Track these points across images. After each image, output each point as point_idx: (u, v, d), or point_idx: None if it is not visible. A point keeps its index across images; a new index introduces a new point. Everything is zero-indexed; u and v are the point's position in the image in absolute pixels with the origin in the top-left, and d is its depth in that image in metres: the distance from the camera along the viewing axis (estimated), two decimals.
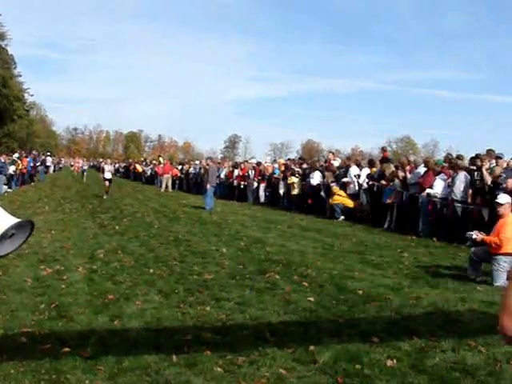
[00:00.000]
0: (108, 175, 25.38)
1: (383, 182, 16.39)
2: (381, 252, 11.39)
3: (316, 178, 20.15)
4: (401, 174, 15.80)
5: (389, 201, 15.68)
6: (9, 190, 27.21)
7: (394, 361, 4.86)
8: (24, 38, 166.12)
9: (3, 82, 44.43)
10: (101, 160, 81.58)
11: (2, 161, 27.30)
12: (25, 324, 5.85)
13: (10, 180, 28.71)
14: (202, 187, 23.50)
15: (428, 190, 14.16)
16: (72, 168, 61.49)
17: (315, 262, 9.89)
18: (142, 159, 60.63)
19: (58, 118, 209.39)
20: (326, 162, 22.09)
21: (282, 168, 23.95)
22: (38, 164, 42.78)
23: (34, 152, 45.19)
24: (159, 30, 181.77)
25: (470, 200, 13.29)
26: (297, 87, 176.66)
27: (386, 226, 15.63)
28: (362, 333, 5.70)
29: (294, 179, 21.45)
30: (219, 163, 33.16)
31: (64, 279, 8.05)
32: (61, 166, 70.74)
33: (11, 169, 28.62)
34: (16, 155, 33.56)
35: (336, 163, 20.97)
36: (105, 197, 24.56)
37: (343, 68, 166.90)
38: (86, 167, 43.47)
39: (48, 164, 52.09)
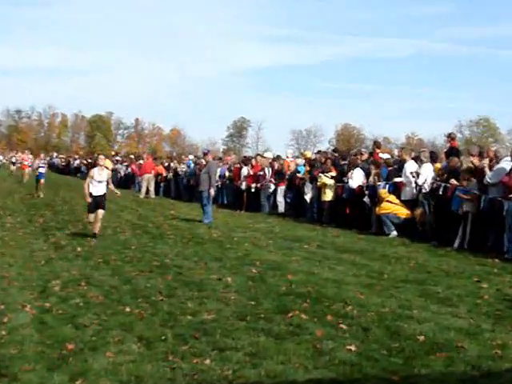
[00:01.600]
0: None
1: (452, 182, 16.31)
2: (450, 281, 11.30)
3: (357, 178, 20.10)
4: (481, 166, 15.70)
5: (461, 209, 15.59)
6: None
7: None
8: None
9: None
10: (60, 156, 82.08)
11: None
12: None
13: None
14: (197, 192, 23.53)
15: None
16: (13, 167, 60.22)
17: (357, 295, 9.85)
18: (114, 153, 60.92)
19: None
20: (370, 154, 22.02)
21: (309, 164, 23.95)
22: None
23: None
24: None
25: None
26: (328, 52, 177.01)
27: (456, 244, 15.54)
28: None
29: (326, 180, 21.43)
30: (221, 159, 33.27)
31: (4, 322, 8.06)
32: None
33: None
34: None
35: (384, 157, 20.93)
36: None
37: (392, 23, 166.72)
38: (43, 168, 33.92)
39: None
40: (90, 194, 16.35)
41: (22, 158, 34.46)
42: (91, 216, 16.43)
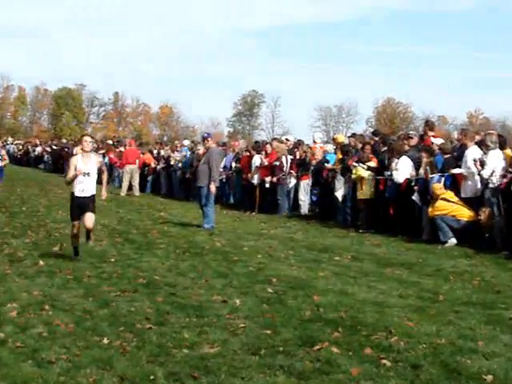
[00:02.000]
0: None
1: None
2: None
3: (403, 170, 20.03)
4: None
5: None
6: None
7: None
8: None
9: None
10: (17, 142, 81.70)
11: None
12: None
13: None
14: (195, 188, 23.57)
15: None
16: None
17: (404, 322, 9.86)
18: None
19: None
20: (421, 139, 21.90)
21: (342, 152, 23.87)
22: None
23: None
24: None
25: None
26: (365, 3, 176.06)
27: None
28: None
29: (363, 171, 21.38)
30: (225, 144, 33.26)
31: None
32: None
33: None
34: None
35: (438, 142, 20.81)
36: None
37: None
38: (3, 160, 33.49)
39: None
40: (73, 197, 14.96)
41: None
42: (75, 225, 14.86)
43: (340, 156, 23.67)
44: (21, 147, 75.72)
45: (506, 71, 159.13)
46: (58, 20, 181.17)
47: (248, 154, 29.42)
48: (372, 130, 41.38)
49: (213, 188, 21.09)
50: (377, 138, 24.18)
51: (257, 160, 27.70)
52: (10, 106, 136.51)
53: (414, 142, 21.41)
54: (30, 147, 71.89)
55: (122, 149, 39.29)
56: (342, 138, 27.05)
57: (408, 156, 20.26)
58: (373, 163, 21.45)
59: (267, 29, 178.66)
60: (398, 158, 20.25)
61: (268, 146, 28.36)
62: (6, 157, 24.50)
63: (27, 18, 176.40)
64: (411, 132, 25.70)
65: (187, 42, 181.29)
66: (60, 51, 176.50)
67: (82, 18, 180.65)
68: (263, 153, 27.71)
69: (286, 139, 29.54)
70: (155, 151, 38.66)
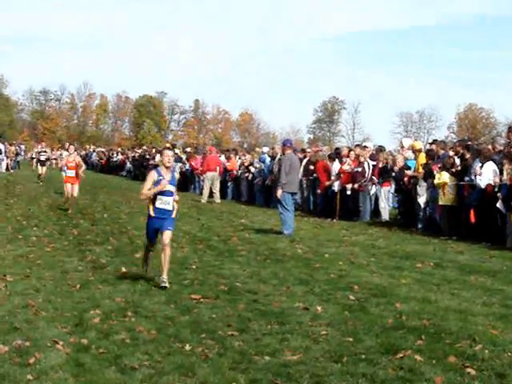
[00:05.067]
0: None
1: None
2: None
3: (487, 175, 19.77)
4: None
5: None
6: None
7: None
8: None
9: None
10: (98, 149, 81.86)
11: None
12: None
13: None
14: (274, 194, 23.58)
15: None
16: (42, 169, 50.03)
17: (489, 330, 9.73)
18: (167, 145, 61.36)
19: (13, 75, 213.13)
20: (508, 144, 21.57)
21: (423, 158, 23.68)
22: None
23: None
24: None
25: None
26: (447, 10, 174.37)
27: None
28: None
29: (446, 177, 21.16)
30: (304, 151, 33.18)
31: (31, 364, 8.15)
32: (19, 158, 71.90)
33: None
34: None
35: None
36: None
37: None
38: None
39: (1, 157, 53.19)
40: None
41: (67, 163, 27.86)
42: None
43: (421, 162, 23.48)
44: (103, 155, 76.15)
45: None
46: (139, 29, 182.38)
47: (328, 160, 29.25)
48: (453, 136, 40.83)
49: (278, 193, 21.10)
50: (461, 144, 23.82)
51: (336, 167, 27.62)
52: (92, 114, 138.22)
53: (500, 147, 21.16)
54: (112, 155, 72.36)
55: (202, 155, 39.30)
56: (419, 145, 26.68)
57: (493, 161, 19.99)
58: (448, 173, 21.24)
59: (346, 36, 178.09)
60: (483, 163, 20.00)
61: (349, 152, 28.27)
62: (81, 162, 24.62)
63: (107, 26, 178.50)
64: (499, 138, 25.36)
65: (267, 49, 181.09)
66: (141, 59, 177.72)
67: (162, 24, 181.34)
68: (344, 159, 27.60)
69: (365, 146, 29.31)
70: (237, 159, 38.58)
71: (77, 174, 24.14)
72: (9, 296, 11.77)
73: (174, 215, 13.42)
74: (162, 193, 13.12)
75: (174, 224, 13.71)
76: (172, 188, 13.27)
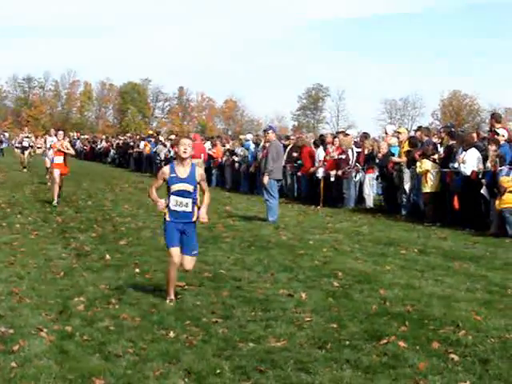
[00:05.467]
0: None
1: None
2: None
3: (471, 162, 19.84)
4: None
5: None
6: None
7: None
8: None
9: None
10: (83, 137, 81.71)
11: None
12: None
13: None
14: (259, 181, 23.58)
15: None
16: (25, 154, 49.00)
17: (472, 316, 9.79)
18: (151, 132, 61.31)
19: None
20: (490, 130, 21.60)
21: (407, 144, 23.71)
22: None
23: None
24: None
25: None
26: None
27: None
28: None
29: (429, 165, 21.24)
30: (289, 138, 33.16)
31: (15, 351, 8.16)
32: (3, 146, 71.85)
33: None
34: None
35: (504, 133, 20.48)
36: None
37: None
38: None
39: None
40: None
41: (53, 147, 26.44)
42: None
43: (405, 149, 23.50)
44: (87, 141, 76.06)
45: None
46: (123, 16, 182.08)
47: (313, 147, 29.24)
48: (438, 123, 40.75)
49: (265, 180, 21.09)
50: (445, 131, 23.87)
51: (321, 153, 27.62)
52: (76, 101, 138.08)
53: (484, 133, 21.23)
54: (96, 142, 72.37)
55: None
56: (405, 133, 26.64)
57: (477, 148, 20.04)
58: (430, 161, 21.29)
59: (332, 21, 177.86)
60: (466, 150, 20.05)
61: (333, 139, 28.25)
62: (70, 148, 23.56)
63: (92, 14, 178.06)
64: (481, 124, 25.39)
65: (251, 36, 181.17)
66: (125, 46, 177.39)
67: (146, 12, 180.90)
68: (328, 146, 27.62)
69: (346, 134, 29.21)
70: (222, 147, 38.56)
71: (65, 160, 23.24)
72: None
73: (194, 218, 10.96)
74: (178, 192, 10.72)
75: (197, 243, 11.31)
76: (190, 187, 10.74)
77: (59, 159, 22.68)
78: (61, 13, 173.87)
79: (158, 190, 11.21)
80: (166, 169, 11.00)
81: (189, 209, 10.77)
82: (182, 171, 10.65)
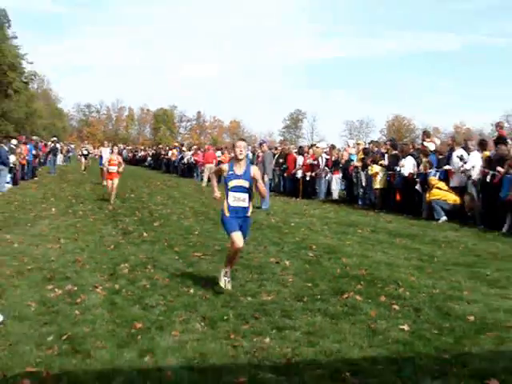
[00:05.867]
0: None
1: (500, 169, 16.03)
2: (498, 264, 11.15)
3: (408, 166, 19.90)
4: None
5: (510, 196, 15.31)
6: (8, 185, 27.66)
7: None
8: None
9: None
10: (127, 148, 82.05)
11: (6, 149, 27.16)
12: (28, 362, 5.97)
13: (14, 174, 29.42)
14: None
15: None
16: (85, 161, 47.47)
17: (409, 277, 9.80)
18: (177, 144, 61.14)
19: (66, 93, 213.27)
20: (422, 144, 21.69)
21: (362, 153, 23.79)
22: (47, 152, 44.68)
23: (34, 137, 44.01)
24: None
25: None
26: (379, 47, 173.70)
27: (505, 229, 15.30)
28: (476, 373, 5.62)
29: (377, 168, 21.32)
30: (277, 148, 33.17)
31: (78, 303, 8.21)
32: (70, 154, 71.83)
33: (11, 159, 28.24)
34: (14, 142, 32.13)
35: (431, 146, 20.55)
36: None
37: (439, 19, 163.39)
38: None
39: (57, 153, 52.73)
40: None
41: (109, 160, 23.25)
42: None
43: (360, 156, 23.63)
44: (130, 151, 76.44)
45: (481, 94, 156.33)
46: (157, 59, 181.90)
47: (295, 155, 29.25)
48: (389, 138, 40.60)
49: (265, 179, 21.12)
50: (389, 144, 23.94)
51: (300, 160, 27.69)
52: (122, 122, 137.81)
53: (417, 145, 21.35)
54: (137, 151, 72.62)
55: (202, 151, 39.37)
56: (362, 144, 26.87)
57: (412, 156, 20.17)
58: (384, 162, 21.41)
59: (304, 65, 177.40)
60: (405, 158, 20.18)
61: (309, 149, 28.41)
62: (122, 162, 22.16)
63: (131, 56, 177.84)
64: (416, 139, 25.52)
65: (250, 74, 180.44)
66: (158, 80, 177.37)
67: (174, 58, 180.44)
68: (305, 154, 27.70)
69: (317, 146, 29.28)
70: (223, 154, 38.53)
71: (118, 170, 22.14)
72: (62, 254, 11.77)
73: (249, 213, 9.43)
74: (235, 188, 9.34)
75: (249, 231, 10.02)
76: (245, 183, 9.36)
77: (113, 168, 21.92)
78: (110, 56, 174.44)
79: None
80: (226, 166, 9.69)
81: (245, 203, 9.25)
82: (239, 169, 9.35)
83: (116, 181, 21.50)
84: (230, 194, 9.19)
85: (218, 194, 9.73)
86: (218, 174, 10.16)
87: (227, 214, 9.16)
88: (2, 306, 7.87)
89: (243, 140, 9.64)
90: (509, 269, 10.67)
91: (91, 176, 38.83)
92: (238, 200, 9.18)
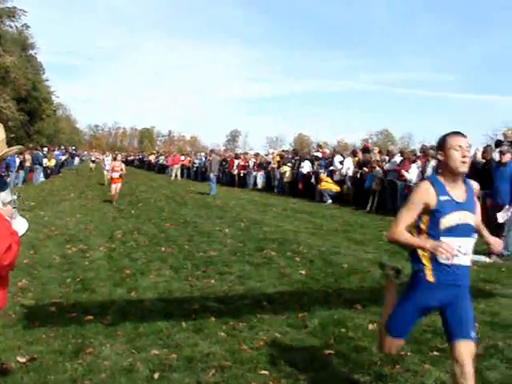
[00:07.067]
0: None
1: (365, 169, 16.36)
2: (363, 231, 11.40)
3: (306, 167, 20.09)
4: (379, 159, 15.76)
5: (372, 186, 15.63)
6: (42, 179, 27.58)
7: (375, 325, 4.88)
8: (50, 47, 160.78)
9: (33, 86, 44.46)
10: (122, 154, 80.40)
11: (41, 154, 27.91)
12: (53, 295, 5.90)
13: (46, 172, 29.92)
14: (207, 175, 23.39)
15: (404, 173, 14.28)
16: (93, 165, 44.61)
17: (306, 240, 9.91)
18: (155, 151, 60.30)
19: (81, 117, 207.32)
20: (317, 152, 21.88)
21: (277, 158, 23.90)
22: (67, 157, 45.21)
23: (61, 147, 46.94)
24: (167, 40, 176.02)
25: None
26: (290, 87, 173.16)
27: (368, 208, 15.63)
28: (347, 301, 5.73)
29: (287, 168, 21.46)
30: (221, 155, 33.07)
31: (87, 257, 8.08)
32: (83, 158, 70.65)
33: (44, 161, 28.93)
34: (45, 150, 33.54)
35: (320, 154, 20.68)
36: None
37: (329, 70, 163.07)
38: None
39: (75, 157, 53.17)
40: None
41: (112, 167, 18.63)
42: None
43: (277, 160, 23.70)
44: (123, 156, 74.89)
45: (352, 121, 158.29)
46: (143, 93, 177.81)
47: (233, 159, 29.18)
48: (293, 148, 41.04)
49: (211, 175, 21.07)
50: (294, 152, 24.14)
51: (236, 162, 27.64)
52: (119, 136, 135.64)
53: (313, 153, 21.51)
54: (128, 156, 71.53)
55: (171, 156, 38.91)
56: (277, 152, 27.02)
57: (309, 160, 20.27)
58: (290, 164, 21.50)
59: (240, 99, 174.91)
60: (304, 161, 20.32)
61: (242, 155, 28.37)
62: (123, 168, 19.28)
63: (126, 92, 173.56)
64: (312, 149, 25.68)
65: (204, 105, 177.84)
66: (143, 106, 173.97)
67: (155, 84, 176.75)
68: (240, 159, 27.67)
69: (250, 153, 29.36)
70: (189, 158, 38.07)
71: (121, 175, 19.34)
72: (77, 224, 11.49)
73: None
74: (455, 230, 2.84)
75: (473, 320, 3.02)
76: (471, 217, 2.91)
77: (116, 174, 19.64)
78: (110, 91, 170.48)
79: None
80: (428, 186, 2.92)
81: (467, 260, 2.93)
82: (458, 192, 2.92)
83: (119, 185, 17.92)
84: (443, 239, 2.86)
85: (451, 248, 2.79)
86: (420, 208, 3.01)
87: (431, 279, 2.95)
88: (37, 259, 7.75)
89: (465, 136, 2.98)
90: (370, 233, 10.93)
91: (97, 174, 37.98)
92: (460, 252, 2.88)
